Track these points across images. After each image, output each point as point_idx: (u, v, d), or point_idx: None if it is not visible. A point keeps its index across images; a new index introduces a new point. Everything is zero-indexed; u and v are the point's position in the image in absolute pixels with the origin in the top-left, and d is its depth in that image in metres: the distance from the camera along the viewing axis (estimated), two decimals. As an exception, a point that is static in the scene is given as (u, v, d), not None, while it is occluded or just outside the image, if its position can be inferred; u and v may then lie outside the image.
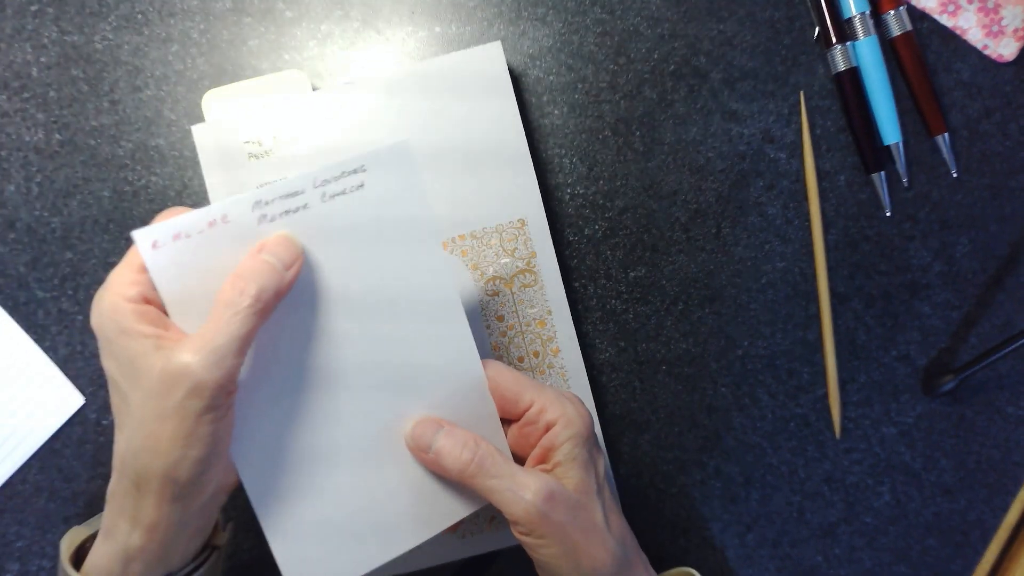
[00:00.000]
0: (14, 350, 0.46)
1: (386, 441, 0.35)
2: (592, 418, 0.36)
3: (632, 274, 0.47)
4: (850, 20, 0.46)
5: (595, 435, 0.37)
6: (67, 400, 0.46)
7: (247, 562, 0.46)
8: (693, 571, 0.42)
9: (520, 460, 0.37)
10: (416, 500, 0.36)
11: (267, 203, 0.31)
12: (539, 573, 0.37)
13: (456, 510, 0.37)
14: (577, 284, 0.47)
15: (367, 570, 0.35)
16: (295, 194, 0.32)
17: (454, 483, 0.36)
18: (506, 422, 0.37)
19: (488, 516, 0.45)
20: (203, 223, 0.30)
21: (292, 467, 0.34)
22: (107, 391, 0.46)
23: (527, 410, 0.36)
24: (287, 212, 0.32)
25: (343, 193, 0.33)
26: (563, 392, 0.36)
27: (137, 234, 0.29)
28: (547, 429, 0.35)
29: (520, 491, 0.33)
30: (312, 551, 0.34)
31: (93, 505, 0.46)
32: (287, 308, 0.33)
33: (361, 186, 0.33)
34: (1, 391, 0.45)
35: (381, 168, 0.33)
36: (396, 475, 0.35)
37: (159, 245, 0.30)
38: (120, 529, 0.32)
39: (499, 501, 0.34)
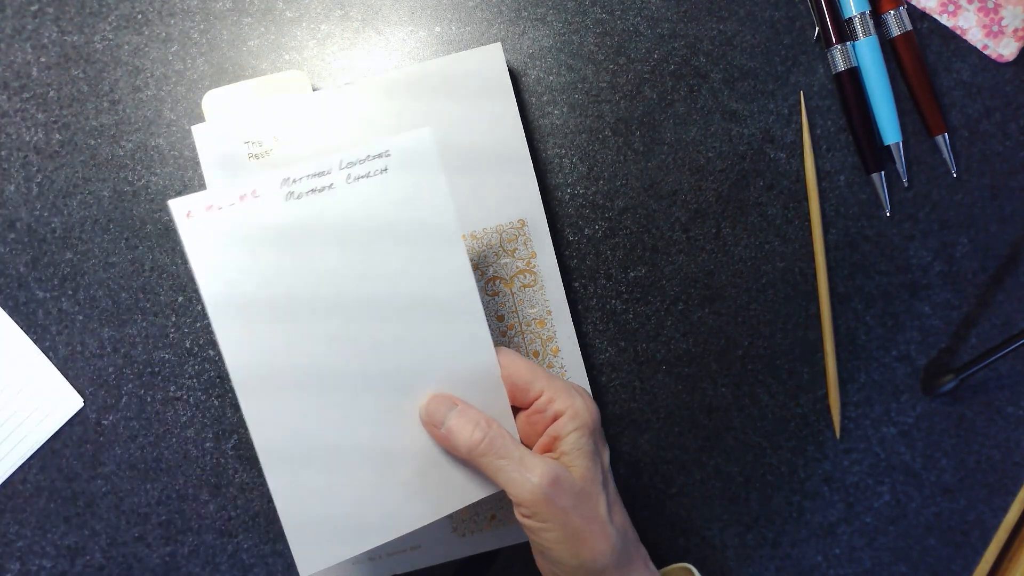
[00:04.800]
0: (13, 351, 0.46)
1: (398, 420, 0.36)
2: (599, 412, 0.37)
3: (632, 274, 0.47)
4: (850, 20, 0.46)
5: (601, 429, 0.37)
6: (66, 402, 0.46)
7: (248, 563, 0.46)
8: (692, 567, 0.42)
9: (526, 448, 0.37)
10: (424, 481, 0.36)
11: (295, 180, 0.33)
12: (537, 561, 0.38)
13: (463, 495, 0.37)
14: (577, 284, 0.47)
15: (370, 547, 0.36)
16: (322, 174, 0.34)
17: (463, 466, 0.37)
18: (515, 409, 0.37)
19: (488, 515, 0.45)
20: (235, 196, 0.33)
21: (305, 443, 0.35)
22: (106, 391, 0.46)
23: (536, 399, 0.36)
24: (313, 191, 0.34)
25: (367, 176, 0.34)
26: (573, 385, 0.37)
27: (173, 203, 0.32)
28: (555, 419, 0.36)
29: (526, 473, 0.34)
30: (320, 526, 0.35)
31: (93, 505, 0.46)
32: (308, 282, 0.34)
33: (385, 170, 0.35)
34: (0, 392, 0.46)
35: (404, 154, 0.35)
36: (406, 455, 0.36)
37: (193, 215, 0.32)
38: None
39: (505, 481, 0.34)
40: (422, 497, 0.36)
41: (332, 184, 0.34)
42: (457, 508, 0.37)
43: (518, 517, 0.35)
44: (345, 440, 0.35)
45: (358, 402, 0.35)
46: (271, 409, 0.34)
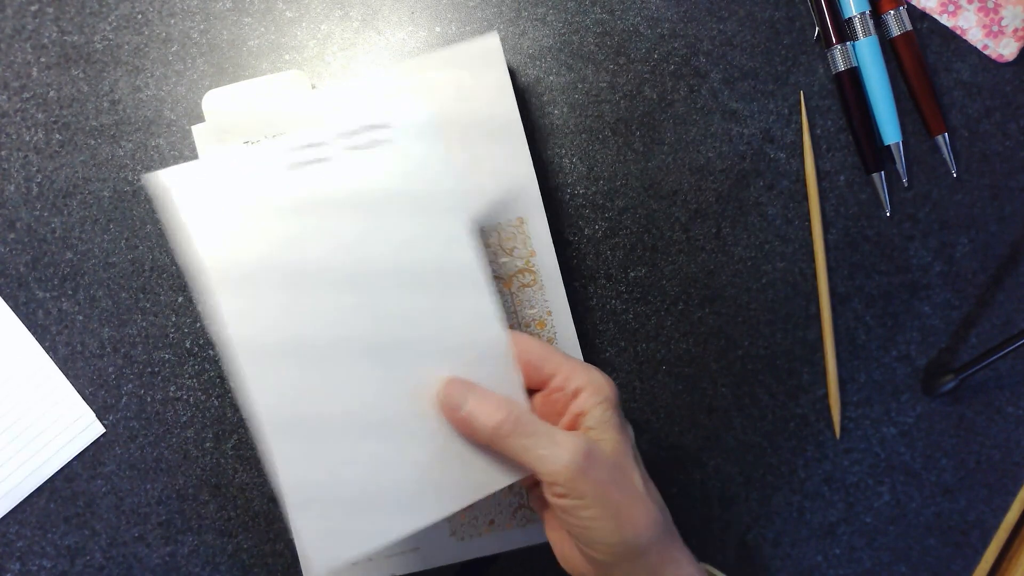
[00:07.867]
0: (36, 373, 0.45)
1: (411, 409, 0.35)
2: (617, 388, 0.35)
3: (632, 274, 0.47)
4: (850, 20, 0.46)
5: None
6: (84, 426, 0.46)
7: (248, 563, 0.46)
8: (714, 570, 0.40)
9: None
10: (440, 470, 0.35)
11: (295, 150, 0.34)
12: (561, 554, 0.36)
13: (484, 484, 0.35)
14: (577, 284, 0.47)
15: (387, 542, 0.34)
16: (322, 144, 0.34)
17: (482, 453, 0.35)
18: (530, 392, 0.36)
19: (487, 519, 0.45)
20: (236, 166, 0.33)
21: (318, 436, 0.33)
22: (106, 391, 0.46)
23: (551, 378, 0.35)
24: (315, 161, 0.34)
25: (368, 147, 0.35)
26: (587, 363, 0.35)
27: (165, 172, 0.32)
28: (575, 395, 0.34)
29: (557, 449, 0.32)
30: (334, 522, 0.34)
31: (93, 505, 0.46)
32: (312, 268, 0.34)
33: (385, 141, 0.35)
34: (20, 415, 0.45)
35: (403, 125, 0.35)
36: (421, 445, 0.35)
37: (192, 184, 0.32)
38: None
39: (534, 460, 0.32)
40: (439, 487, 0.35)
41: (333, 155, 0.34)
42: (478, 498, 0.35)
43: (550, 498, 0.33)
44: (359, 439, 0.34)
45: (369, 399, 0.34)
46: (284, 410, 0.33)
